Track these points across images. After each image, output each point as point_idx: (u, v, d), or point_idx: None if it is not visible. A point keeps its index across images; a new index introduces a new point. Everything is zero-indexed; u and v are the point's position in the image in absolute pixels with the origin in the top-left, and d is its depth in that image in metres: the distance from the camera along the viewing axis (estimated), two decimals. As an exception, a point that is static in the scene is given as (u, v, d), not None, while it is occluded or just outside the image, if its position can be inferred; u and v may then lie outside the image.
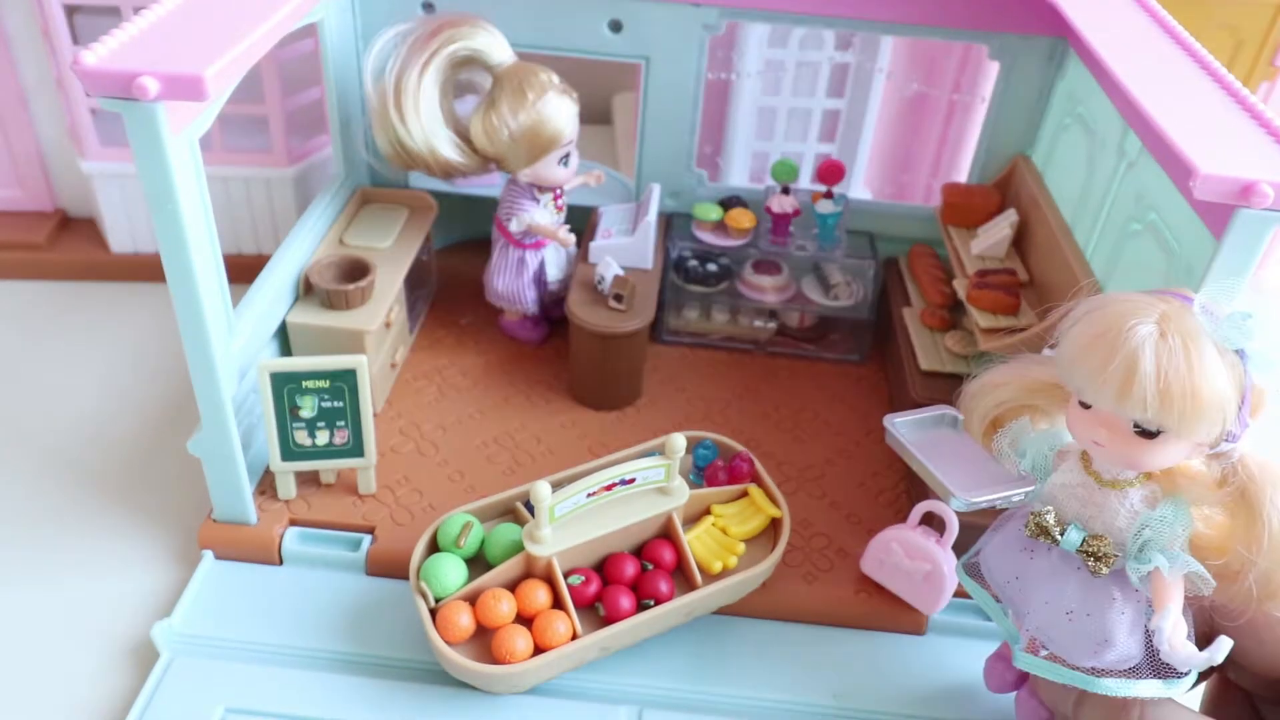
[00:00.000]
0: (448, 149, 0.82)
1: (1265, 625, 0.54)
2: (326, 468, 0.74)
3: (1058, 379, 0.54)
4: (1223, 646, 0.49)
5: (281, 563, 0.72)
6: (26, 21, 0.92)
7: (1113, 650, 0.53)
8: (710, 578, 0.67)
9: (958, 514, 0.58)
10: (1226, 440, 0.48)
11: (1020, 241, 0.87)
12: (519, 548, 0.65)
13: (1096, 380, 0.48)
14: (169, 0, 0.62)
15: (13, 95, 0.96)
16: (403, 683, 0.64)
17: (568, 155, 0.83)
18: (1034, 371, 0.57)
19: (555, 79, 0.81)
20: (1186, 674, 0.54)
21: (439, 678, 0.65)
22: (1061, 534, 0.54)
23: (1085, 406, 0.51)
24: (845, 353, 0.95)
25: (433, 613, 0.63)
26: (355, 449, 0.73)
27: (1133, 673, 0.54)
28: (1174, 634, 0.50)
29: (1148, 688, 0.53)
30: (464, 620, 0.62)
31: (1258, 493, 0.49)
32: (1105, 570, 0.52)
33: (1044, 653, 0.57)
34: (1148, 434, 0.48)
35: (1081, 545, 0.53)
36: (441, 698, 0.64)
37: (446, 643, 0.62)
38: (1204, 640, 0.55)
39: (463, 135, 0.83)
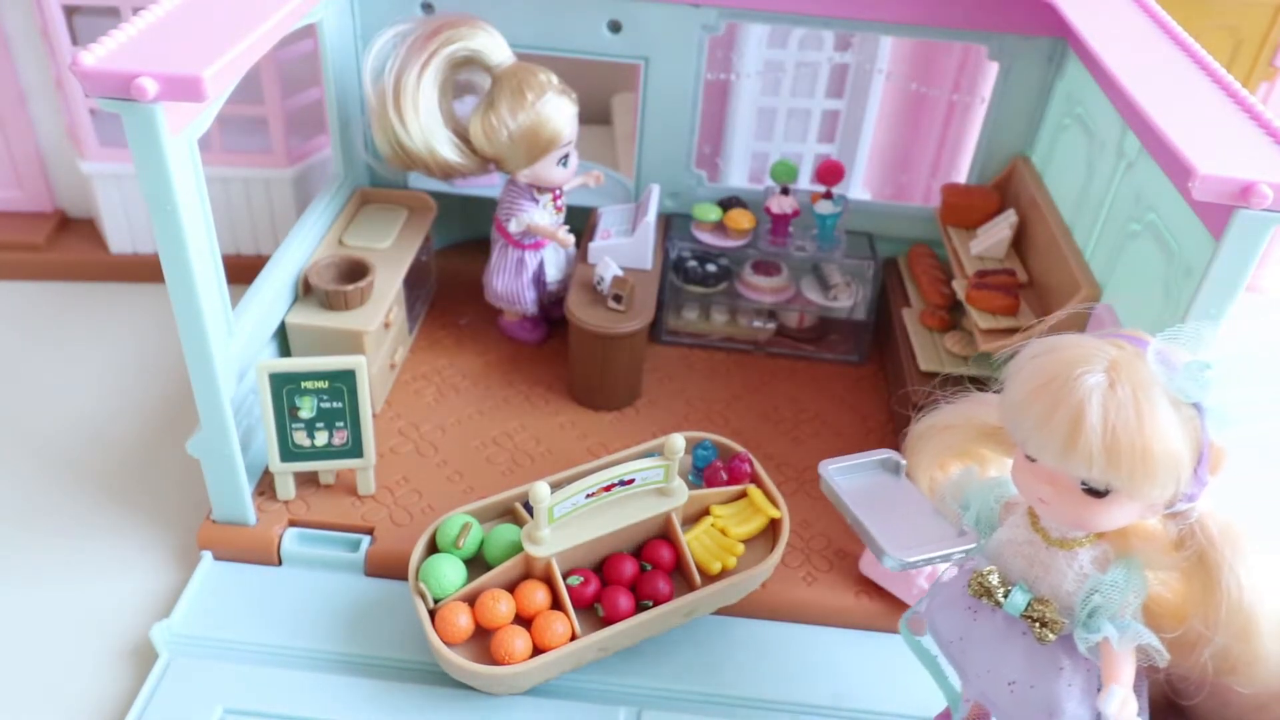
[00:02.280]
0: (447, 150, 0.82)
1: (1228, 688, 0.49)
2: (325, 468, 0.74)
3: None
4: None
5: (280, 563, 0.72)
6: (26, 22, 0.92)
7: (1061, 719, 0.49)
8: (709, 578, 0.67)
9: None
10: (1184, 499, 0.45)
11: (1019, 242, 0.87)
12: (518, 548, 0.65)
13: (1040, 433, 0.44)
14: (168, 1, 0.62)
15: (12, 95, 0.96)
16: (401, 683, 0.64)
17: (567, 156, 0.83)
18: (984, 414, 0.52)
19: (554, 79, 0.81)
20: None
21: (438, 678, 0.65)
22: (1005, 595, 0.49)
23: (1031, 459, 0.46)
24: (845, 353, 0.95)
25: (431, 613, 0.63)
26: (354, 450, 0.73)
27: None
28: (1120, 714, 0.45)
29: None
30: (463, 621, 0.62)
31: (1216, 559, 0.45)
32: (1052, 637, 0.48)
33: None
34: (1095, 493, 0.44)
35: (1026, 609, 0.49)
36: (440, 698, 0.64)
37: (445, 643, 0.62)
38: (1166, 708, 0.52)
39: (462, 136, 0.83)
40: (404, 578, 0.69)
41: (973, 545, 0.52)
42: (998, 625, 0.51)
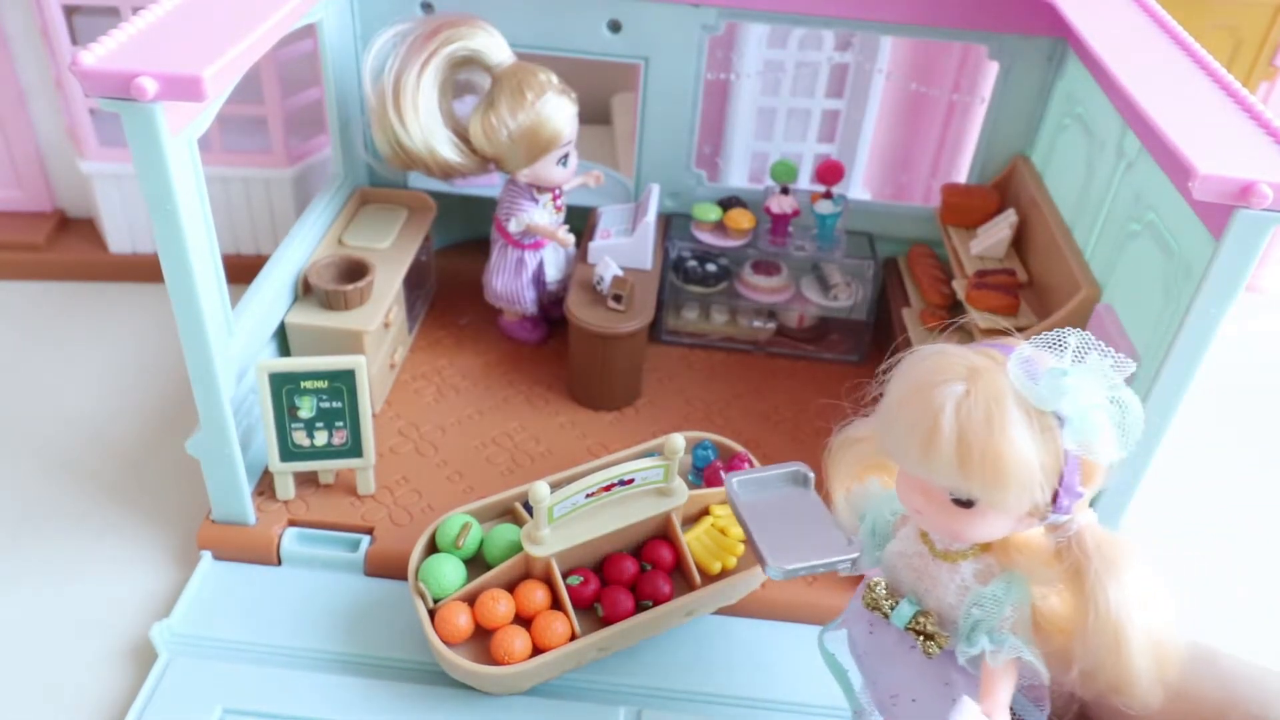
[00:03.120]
0: (446, 149, 0.82)
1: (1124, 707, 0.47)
2: (325, 468, 0.74)
3: None
4: None
5: (280, 563, 0.72)
6: (26, 21, 0.92)
7: None
8: (709, 578, 0.67)
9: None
10: (1055, 511, 0.43)
11: (1019, 242, 0.87)
12: (518, 548, 0.65)
13: (903, 441, 0.44)
14: (168, 0, 0.62)
15: (12, 95, 0.96)
16: (401, 683, 0.64)
17: (567, 155, 0.83)
18: None
19: (554, 79, 0.81)
20: None
21: (437, 678, 0.65)
22: (893, 608, 0.49)
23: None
24: (844, 353, 0.95)
25: (431, 613, 0.63)
26: (354, 449, 0.73)
27: None
28: None
29: None
30: (462, 621, 0.62)
31: (1088, 571, 0.43)
32: (936, 650, 0.48)
33: None
34: (962, 503, 0.44)
35: (910, 622, 0.48)
36: (440, 698, 0.64)
37: (445, 643, 0.62)
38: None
39: (461, 135, 0.83)
40: (404, 578, 0.69)
41: (855, 555, 0.52)
42: (891, 638, 0.51)
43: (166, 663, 0.64)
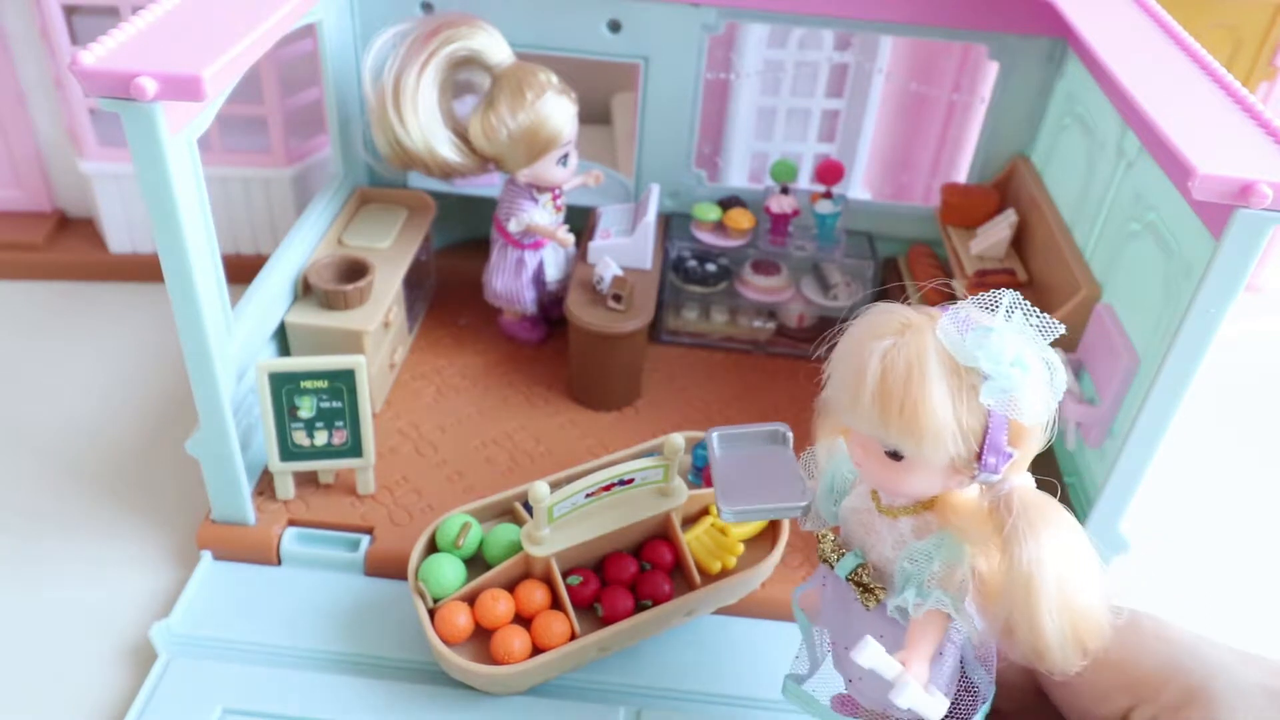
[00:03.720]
0: (446, 149, 0.82)
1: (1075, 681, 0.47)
2: (325, 468, 0.74)
3: None
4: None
5: (280, 563, 0.72)
6: (25, 21, 0.92)
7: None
8: (709, 578, 0.67)
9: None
10: (983, 469, 0.44)
11: (1019, 242, 0.87)
12: (517, 548, 0.65)
13: (838, 392, 0.45)
14: (167, 0, 0.62)
15: (11, 95, 0.96)
16: (401, 683, 0.64)
17: (566, 155, 0.83)
18: None
19: (554, 79, 0.81)
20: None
21: (437, 678, 0.65)
22: (839, 559, 0.51)
23: None
24: (844, 353, 0.95)
25: (431, 613, 0.63)
26: (354, 449, 0.73)
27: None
28: (873, 665, 0.44)
29: None
30: (462, 620, 0.62)
31: (1009, 527, 0.44)
32: (874, 602, 0.49)
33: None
34: (894, 455, 0.45)
35: (851, 573, 0.50)
36: (440, 698, 0.64)
37: (445, 643, 0.62)
38: (1035, 695, 0.51)
39: (461, 135, 0.83)
40: (404, 577, 0.69)
41: (804, 503, 0.54)
42: (840, 590, 0.52)
43: (166, 663, 0.64)
